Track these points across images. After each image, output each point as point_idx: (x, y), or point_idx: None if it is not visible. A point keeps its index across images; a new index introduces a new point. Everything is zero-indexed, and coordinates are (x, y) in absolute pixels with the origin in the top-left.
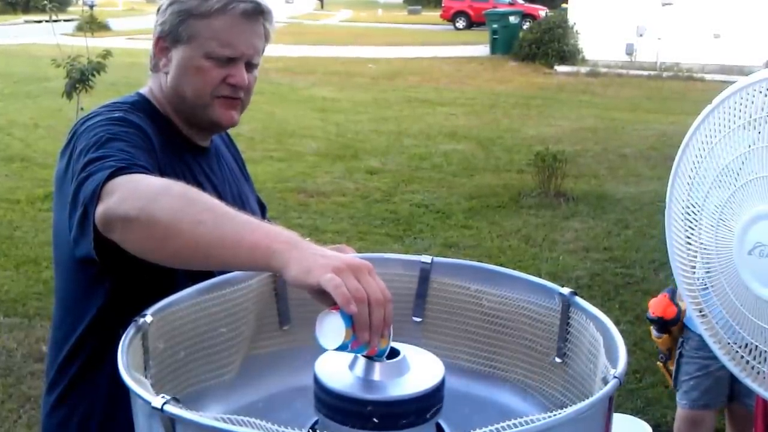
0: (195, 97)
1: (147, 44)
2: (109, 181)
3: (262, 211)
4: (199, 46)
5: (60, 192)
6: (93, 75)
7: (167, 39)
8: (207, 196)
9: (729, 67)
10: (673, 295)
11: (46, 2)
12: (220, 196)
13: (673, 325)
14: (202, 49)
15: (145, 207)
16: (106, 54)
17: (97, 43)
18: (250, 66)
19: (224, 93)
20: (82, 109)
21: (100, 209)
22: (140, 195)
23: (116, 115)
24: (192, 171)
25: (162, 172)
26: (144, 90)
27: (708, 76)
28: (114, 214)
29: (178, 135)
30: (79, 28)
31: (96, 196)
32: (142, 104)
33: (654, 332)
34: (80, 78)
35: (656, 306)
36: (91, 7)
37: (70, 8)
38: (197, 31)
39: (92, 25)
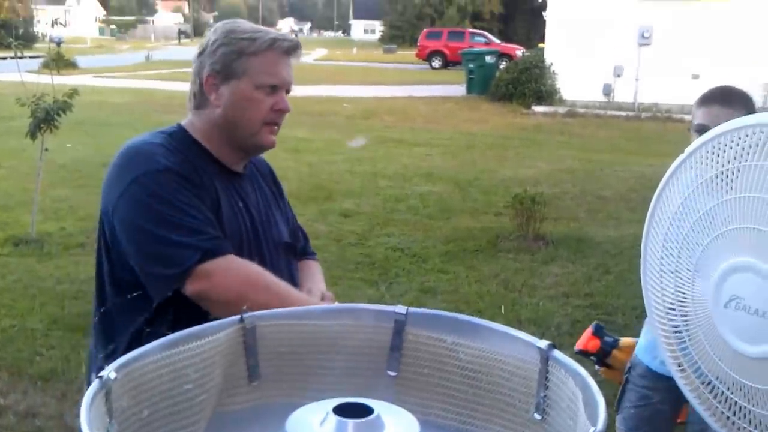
0: (248, 123)
1: (115, 82)
2: (199, 265)
3: (305, 241)
4: (250, 79)
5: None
6: (59, 114)
7: (218, 76)
8: (285, 286)
9: None
10: (597, 329)
11: (11, 40)
12: (251, 214)
13: (604, 358)
14: (253, 81)
15: (239, 298)
16: (73, 93)
17: (64, 80)
18: (286, 93)
19: (272, 119)
20: (46, 149)
21: (197, 288)
22: (233, 288)
23: (160, 166)
24: (225, 190)
25: (201, 188)
26: (184, 122)
27: (687, 117)
28: (211, 297)
29: (212, 161)
30: (46, 66)
31: (186, 276)
32: (179, 134)
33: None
34: (45, 117)
35: (580, 340)
36: (59, 44)
37: (37, 45)
38: (250, 67)
39: (59, 62)
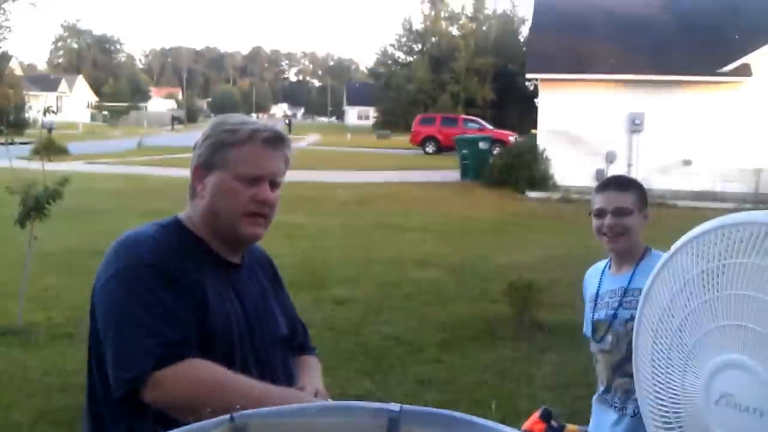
0: (227, 214)
1: (106, 168)
2: (151, 373)
3: (304, 335)
4: (230, 170)
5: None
6: (48, 203)
7: (203, 167)
8: (242, 383)
9: (701, 193)
10: (544, 413)
11: (2, 127)
12: (245, 308)
13: None
14: (233, 172)
15: (192, 404)
16: (64, 182)
17: (55, 167)
18: (273, 185)
19: (252, 209)
20: (35, 238)
21: (154, 395)
22: (184, 395)
23: (141, 261)
24: (216, 284)
25: (185, 285)
26: (182, 214)
27: (681, 203)
28: (165, 404)
29: (208, 252)
30: (36, 152)
31: (140, 383)
32: (173, 226)
33: None
34: (35, 206)
35: (527, 421)
36: (50, 130)
37: (28, 130)
38: (230, 158)
39: (50, 148)
